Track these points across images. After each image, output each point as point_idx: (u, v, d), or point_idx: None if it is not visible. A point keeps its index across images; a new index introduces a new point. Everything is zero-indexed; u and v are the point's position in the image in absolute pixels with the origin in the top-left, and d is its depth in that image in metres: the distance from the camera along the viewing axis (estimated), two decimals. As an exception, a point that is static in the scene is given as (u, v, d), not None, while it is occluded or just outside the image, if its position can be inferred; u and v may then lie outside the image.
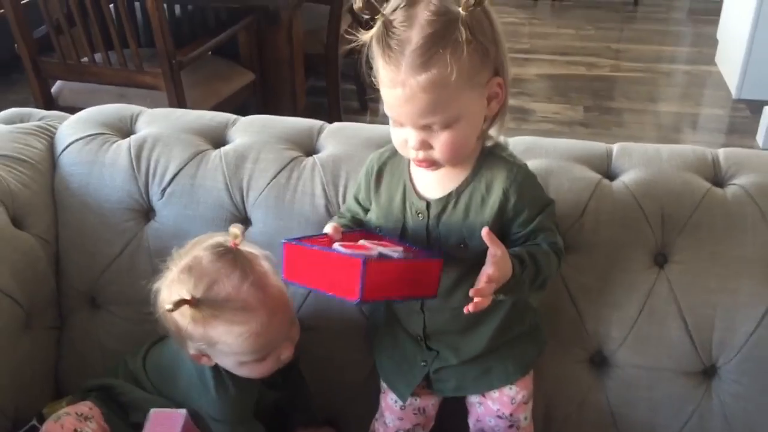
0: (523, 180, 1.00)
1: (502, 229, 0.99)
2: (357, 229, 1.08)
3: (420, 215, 1.01)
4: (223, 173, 1.26)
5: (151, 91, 2.44)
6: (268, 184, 1.25)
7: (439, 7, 0.87)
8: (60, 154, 1.33)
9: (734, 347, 1.15)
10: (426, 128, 0.91)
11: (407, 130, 0.93)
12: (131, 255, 1.28)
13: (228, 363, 1.06)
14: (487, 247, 0.92)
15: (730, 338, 1.14)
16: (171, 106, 2.37)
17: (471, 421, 1.16)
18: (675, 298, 1.15)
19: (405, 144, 0.95)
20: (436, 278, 0.96)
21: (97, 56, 2.47)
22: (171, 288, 1.02)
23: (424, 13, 0.87)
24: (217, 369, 1.08)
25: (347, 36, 0.94)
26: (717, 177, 1.21)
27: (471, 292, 0.90)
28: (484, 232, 0.91)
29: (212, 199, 1.26)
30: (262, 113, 1.43)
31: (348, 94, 3.47)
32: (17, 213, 1.25)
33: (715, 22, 4.21)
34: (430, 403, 1.16)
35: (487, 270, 0.90)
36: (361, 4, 0.89)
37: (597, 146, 1.27)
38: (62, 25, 2.41)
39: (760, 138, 3.27)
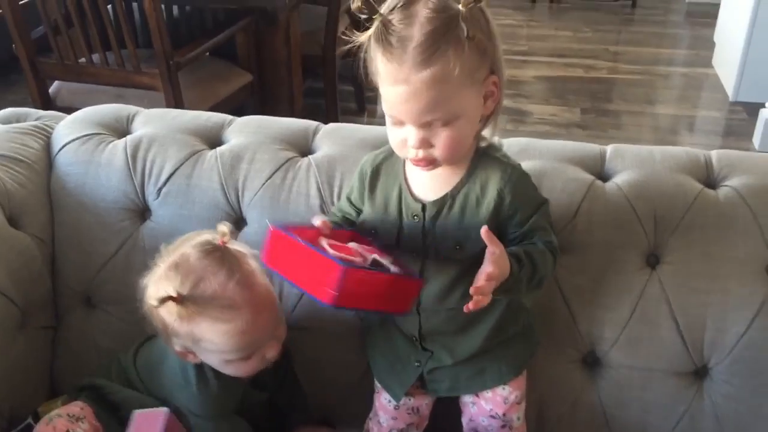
0: (518, 180, 1.01)
1: (497, 229, 0.99)
2: (347, 228, 1.08)
3: (416, 218, 1.01)
4: (218, 173, 1.27)
5: (149, 92, 2.44)
6: (264, 184, 1.25)
7: (438, 5, 0.88)
8: (56, 153, 1.33)
9: (725, 348, 1.15)
10: (427, 126, 0.92)
11: (407, 128, 0.93)
12: (127, 255, 1.29)
13: (213, 360, 1.06)
14: (482, 249, 0.93)
15: (722, 339, 1.15)
16: (168, 106, 2.37)
17: (464, 421, 1.17)
18: (667, 298, 1.16)
19: (404, 144, 0.95)
20: (413, 297, 0.96)
21: (95, 57, 2.47)
22: (158, 284, 1.03)
23: (423, 11, 0.88)
24: (200, 365, 1.08)
25: (344, 38, 0.94)
26: (709, 179, 1.21)
27: (471, 290, 0.90)
28: (483, 230, 0.92)
29: (208, 199, 1.26)
30: (260, 114, 1.43)
31: (345, 96, 3.47)
32: (13, 212, 1.26)
33: (713, 25, 4.22)
34: (423, 403, 1.17)
35: (487, 268, 0.91)
36: (359, 4, 0.89)
37: (590, 148, 1.28)
38: (60, 25, 2.41)
39: (756, 140, 3.28)
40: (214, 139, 1.34)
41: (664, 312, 1.16)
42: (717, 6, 4.16)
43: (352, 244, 0.97)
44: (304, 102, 3.07)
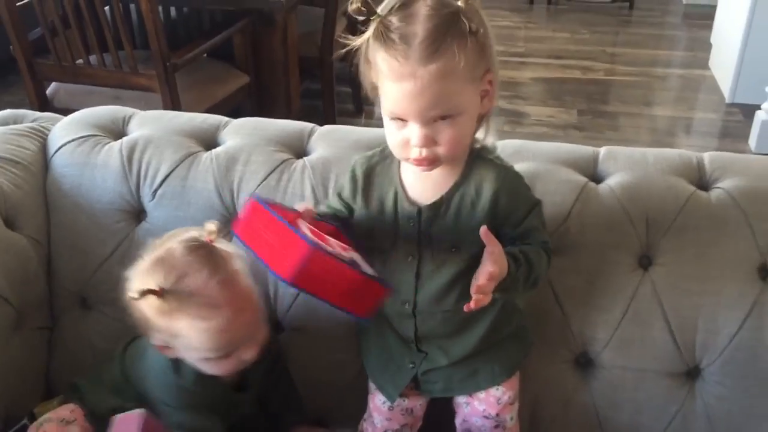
0: (513, 182, 1.02)
1: (493, 230, 0.99)
2: (332, 223, 1.06)
3: (411, 221, 1.02)
4: (213, 175, 1.27)
5: (146, 93, 2.45)
6: (259, 186, 1.25)
7: (437, 2, 0.89)
8: (52, 155, 1.34)
9: (717, 349, 1.16)
10: (431, 123, 0.92)
11: (410, 128, 0.93)
12: (122, 256, 1.29)
13: (190, 357, 1.06)
14: (478, 250, 0.94)
15: (713, 340, 1.16)
16: (165, 108, 2.38)
17: (458, 422, 1.17)
18: (659, 300, 1.17)
19: (406, 144, 0.94)
20: (376, 303, 0.95)
21: (92, 58, 2.48)
22: (140, 277, 1.02)
23: (423, 9, 0.89)
24: (178, 358, 1.08)
25: (342, 40, 0.94)
26: (702, 180, 1.22)
27: (472, 290, 0.91)
28: (483, 230, 0.93)
29: (203, 200, 1.27)
30: (257, 116, 1.44)
31: (343, 97, 3.47)
32: (9, 214, 1.26)
33: (710, 27, 4.23)
34: (417, 404, 1.17)
35: (488, 267, 0.91)
36: (357, 5, 0.90)
37: (584, 149, 1.28)
38: (57, 27, 2.42)
39: (752, 142, 3.29)
40: (209, 141, 1.34)
41: (657, 313, 1.17)
42: (714, 8, 4.17)
43: (331, 239, 0.96)
44: (302, 103, 3.07)
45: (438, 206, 1.01)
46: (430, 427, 1.21)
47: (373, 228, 1.05)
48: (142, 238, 1.29)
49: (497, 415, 1.13)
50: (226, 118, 1.40)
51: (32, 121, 1.43)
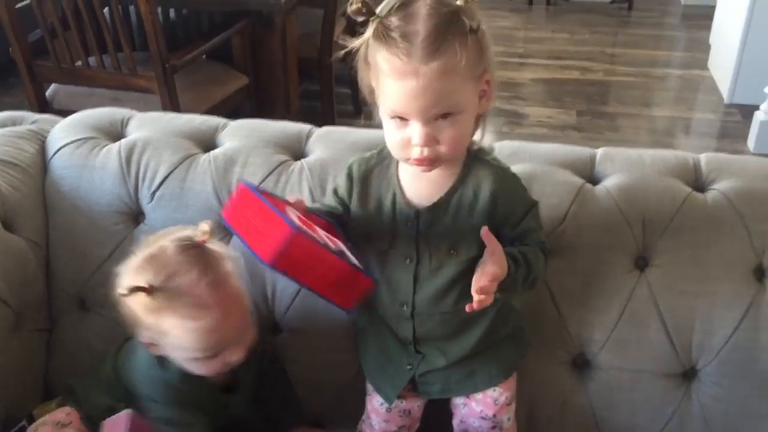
0: (510, 183, 1.02)
1: (491, 231, 1.00)
2: (325, 218, 1.06)
3: (409, 223, 1.02)
4: (212, 177, 1.27)
5: (145, 95, 2.45)
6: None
7: (437, 1, 0.90)
8: (51, 157, 1.34)
9: (713, 350, 1.16)
10: (432, 121, 0.92)
11: (411, 127, 0.93)
12: (121, 258, 1.28)
13: (176, 356, 1.06)
14: (477, 251, 0.94)
15: (709, 341, 1.16)
16: (165, 109, 2.38)
17: (455, 422, 1.18)
18: (655, 301, 1.17)
19: (406, 144, 0.94)
20: (359, 295, 0.94)
21: (92, 60, 2.48)
22: (131, 274, 1.02)
23: (423, 8, 0.89)
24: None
25: (341, 42, 0.94)
26: (698, 182, 1.22)
27: (474, 290, 0.91)
28: (484, 231, 0.93)
29: (201, 202, 1.27)
30: (256, 117, 1.44)
31: (342, 98, 3.47)
32: (8, 216, 1.26)
33: (708, 27, 4.24)
34: (415, 405, 1.17)
35: (491, 268, 0.92)
36: (357, 5, 0.90)
37: (580, 151, 1.29)
38: (57, 28, 2.42)
39: (750, 142, 3.29)
40: (207, 143, 1.34)
41: (653, 314, 1.17)
42: (713, 9, 4.18)
43: (320, 230, 0.96)
44: (301, 104, 3.07)
45: (436, 208, 1.01)
46: (428, 429, 1.21)
47: (371, 230, 1.05)
48: (141, 240, 1.29)
49: (494, 416, 1.13)
50: (224, 120, 1.40)
51: (31, 123, 1.43)
